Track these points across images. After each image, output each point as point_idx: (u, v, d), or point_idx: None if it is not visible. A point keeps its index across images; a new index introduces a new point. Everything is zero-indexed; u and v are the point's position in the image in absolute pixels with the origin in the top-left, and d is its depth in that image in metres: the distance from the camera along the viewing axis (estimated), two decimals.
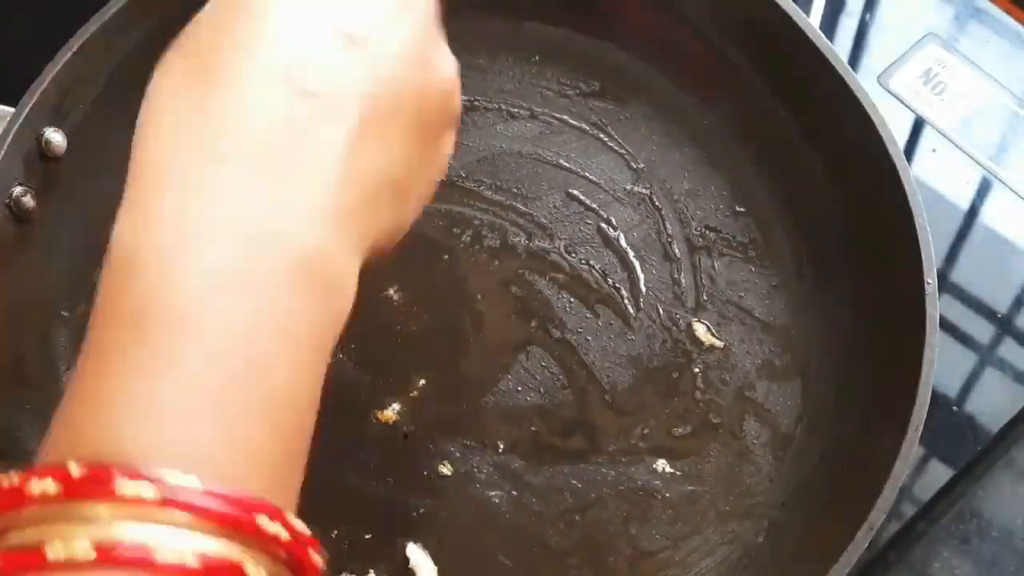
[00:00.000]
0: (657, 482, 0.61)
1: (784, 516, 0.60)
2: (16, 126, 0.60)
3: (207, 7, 0.46)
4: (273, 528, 0.35)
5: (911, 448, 0.54)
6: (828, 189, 0.66)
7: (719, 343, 0.64)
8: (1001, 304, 0.70)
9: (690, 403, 0.63)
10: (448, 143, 0.50)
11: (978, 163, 0.74)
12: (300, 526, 0.37)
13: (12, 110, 0.61)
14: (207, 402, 0.36)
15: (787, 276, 0.66)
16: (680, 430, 0.62)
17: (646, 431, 0.62)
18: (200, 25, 0.45)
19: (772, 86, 0.68)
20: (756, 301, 0.66)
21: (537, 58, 0.71)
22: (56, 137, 0.62)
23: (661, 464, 0.61)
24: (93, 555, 0.32)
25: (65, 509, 0.33)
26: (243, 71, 0.41)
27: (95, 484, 0.33)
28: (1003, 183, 0.73)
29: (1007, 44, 0.78)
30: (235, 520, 0.34)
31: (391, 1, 0.45)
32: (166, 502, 0.33)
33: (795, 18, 0.64)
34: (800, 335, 0.65)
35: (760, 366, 0.64)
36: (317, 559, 0.38)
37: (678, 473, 0.61)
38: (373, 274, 0.66)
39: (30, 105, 0.61)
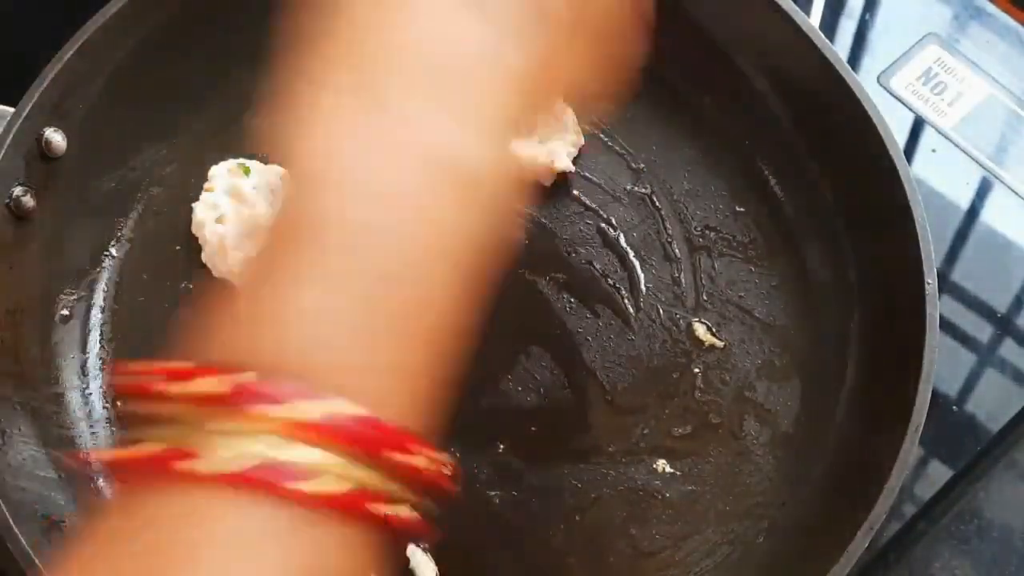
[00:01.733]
0: (657, 482, 0.61)
1: (784, 516, 0.60)
2: (16, 126, 0.60)
3: None
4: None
5: (911, 448, 0.54)
6: (828, 189, 0.66)
7: (719, 343, 0.64)
8: (1001, 304, 0.70)
9: (690, 403, 0.63)
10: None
11: (978, 163, 0.74)
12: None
13: (12, 110, 0.61)
14: (350, 317, 0.37)
15: (787, 276, 0.66)
16: (680, 430, 0.62)
17: (646, 431, 0.62)
18: None
19: (772, 86, 0.68)
20: (756, 301, 0.66)
21: None
22: (56, 137, 0.62)
23: (661, 464, 0.61)
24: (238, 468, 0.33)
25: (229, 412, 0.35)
26: None
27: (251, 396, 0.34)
28: (1003, 183, 0.73)
29: (1007, 44, 0.78)
30: (381, 444, 0.35)
31: None
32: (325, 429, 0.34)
33: (795, 18, 0.64)
34: (800, 335, 0.65)
35: (760, 366, 0.64)
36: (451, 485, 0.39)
37: (678, 473, 0.61)
38: None
39: (30, 105, 0.61)
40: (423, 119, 0.40)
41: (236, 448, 0.34)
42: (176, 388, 0.36)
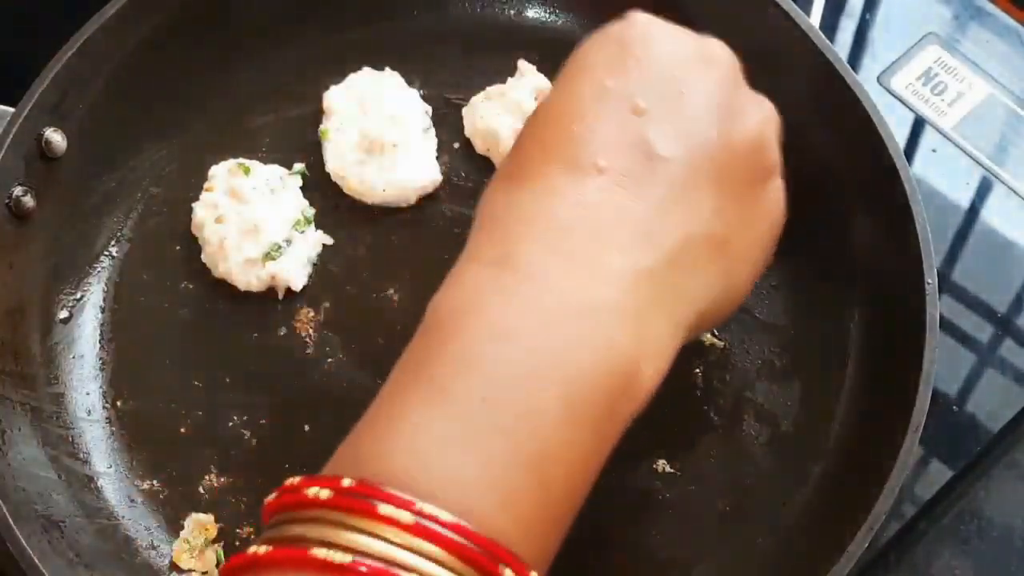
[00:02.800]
0: (657, 482, 0.61)
1: (784, 516, 0.60)
2: (16, 126, 0.60)
3: (527, 122, 0.49)
4: None
5: (911, 448, 0.54)
6: (828, 189, 0.66)
7: (719, 343, 0.64)
8: (1001, 304, 0.70)
9: (690, 403, 0.63)
10: (773, 195, 0.51)
11: (978, 163, 0.74)
12: None
13: (12, 110, 0.61)
14: (477, 443, 0.38)
15: (787, 276, 0.66)
16: (680, 430, 0.62)
17: (646, 431, 0.62)
18: (519, 137, 0.49)
19: (772, 86, 0.68)
20: (756, 301, 0.66)
21: (538, 58, 0.71)
22: (56, 137, 0.62)
23: (661, 464, 0.61)
24: (348, 560, 0.35)
25: (331, 516, 0.37)
26: (545, 166, 0.45)
27: (360, 499, 0.36)
28: (1003, 183, 0.73)
29: (1007, 44, 0.78)
30: (478, 561, 0.36)
31: (684, 62, 0.48)
32: (418, 529, 0.36)
33: (795, 18, 0.64)
34: (800, 335, 0.65)
35: (760, 366, 0.64)
36: None
37: (678, 473, 0.61)
38: (373, 274, 0.66)
39: (30, 105, 0.61)
40: (556, 277, 0.42)
41: (368, 544, 0.36)
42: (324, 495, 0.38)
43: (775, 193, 0.51)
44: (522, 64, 0.70)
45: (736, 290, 0.49)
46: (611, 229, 0.43)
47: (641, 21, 0.49)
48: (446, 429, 0.39)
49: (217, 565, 0.59)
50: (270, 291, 0.65)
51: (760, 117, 0.50)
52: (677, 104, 0.46)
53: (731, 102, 0.48)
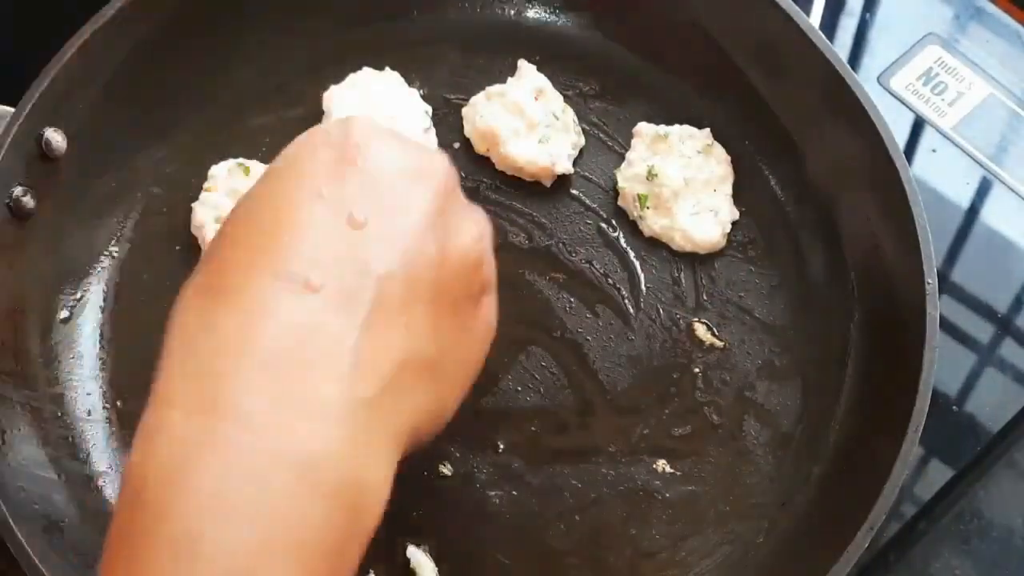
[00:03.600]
0: (657, 482, 0.61)
1: (784, 516, 0.60)
2: (16, 126, 0.60)
3: (226, 222, 0.45)
4: None
5: (911, 448, 0.54)
6: (828, 189, 0.66)
7: (719, 343, 0.64)
8: (1001, 304, 0.70)
9: (690, 403, 0.63)
10: (486, 311, 0.49)
11: (978, 163, 0.74)
12: None
13: (12, 110, 0.61)
14: None
15: (787, 276, 0.66)
16: (680, 430, 0.62)
17: (646, 431, 0.62)
18: (219, 239, 0.44)
19: (772, 86, 0.68)
20: (756, 301, 0.66)
21: (538, 58, 0.71)
22: (56, 137, 0.62)
23: (661, 464, 0.61)
24: None
25: None
26: (250, 280, 0.41)
27: None
28: (1003, 183, 0.73)
29: (1007, 44, 0.78)
30: None
31: (403, 175, 0.44)
32: None
33: (795, 18, 0.64)
34: (800, 335, 0.65)
35: (760, 366, 0.64)
36: None
37: (678, 473, 0.61)
38: None
39: (30, 105, 0.61)
40: (268, 418, 0.38)
41: None
42: None
43: (487, 310, 0.49)
44: (522, 64, 0.70)
45: (445, 409, 0.47)
46: (324, 358, 0.39)
47: (361, 126, 0.45)
48: None
49: None
50: None
51: (476, 232, 0.47)
52: (396, 219, 0.43)
53: (448, 217, 0.45)
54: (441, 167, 0.46)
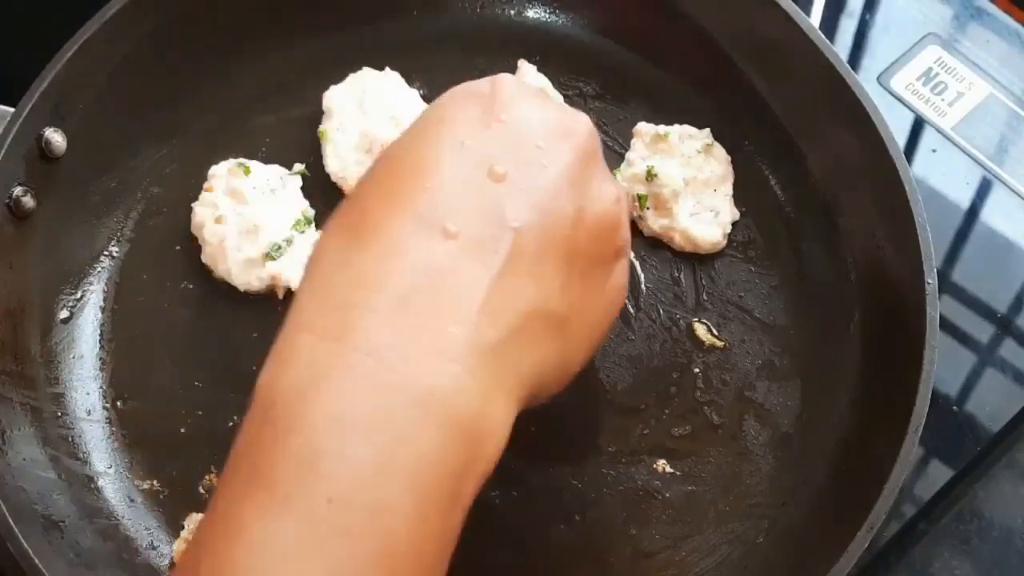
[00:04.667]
0: (657, 482, 0.61)
1: (784, 516, 0.60)
2: (16, 126, 0.60)
3: (371, 167, 0.46)
4: None
5: (911, 448, 0.54)
6: (828, 189, 0.66)
7: (719, 343, 0.64)
8: (1001, 304, 0.70)
9: (690, 403, 0.63)
10: (618, 275, 0.49)
11: (978, 163, 0.74)
12: None
13: (12, 110, 0.61)
14: (324, 550, 0.36)
15: (787, 276, 0.66)
16: (680, 430, 0.62)
17: (646, 431, 0.62)
18: (362, 183, 0.45)
19: (772, 86, 0.68)
20: (756, 301, 0.66)
21: (538, 58, 0.71)
22: (56, 137, 0.62)
23: (661, 464, 0.61)
24: None
25: None
26: (390, 221, 0.42)
27: None
28: (1003, 183, 0.73)
29: (1007, 44, 0.78)
30: None
31: (546, 132, 0.45)
32: None
33: (795, 18, 0.64)
34: (800, 335, 0.65)
35: (760, 366, 0.64)
36: None
37: (678, 473, 0.61)
38: None
39: (30, 105, 0.61)
40: (396, 351, 0.39)
41: None
42: None
43: (620, 276, 0.49)
44: (522, 64, 0.70)
45: (569, 368, 0.48)
46: (455, 301, 0.41)
47: (508, 83, 0.47)
48: (289, 540, 0.36)
49: None
50: (270, 291, 0.65)
51: (614, 196, 0.48)
52: (536, 175, 0.44)
53: (588, 179, 0.46)
54: (585, 129, 0.47)
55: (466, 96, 0.46)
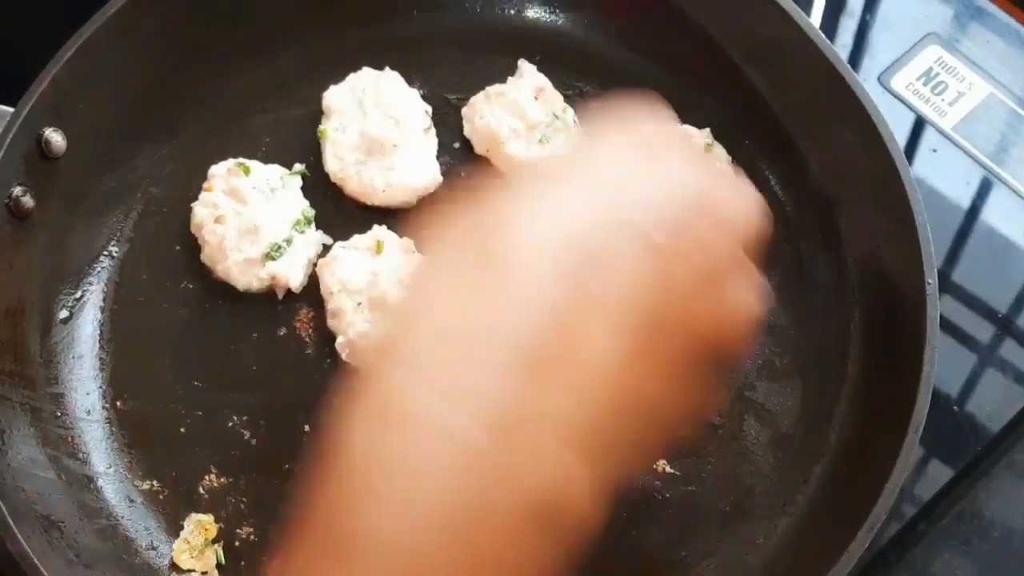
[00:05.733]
0: (657, 482, 0.61)
1: (784, 516, 0.60)
2: (16, 126, 0.60)
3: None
4: None
5: (911, 448, 0.54)
6: (828, 189, 0.66)
7: None
8: (1001, 304, 0.70)
9: None
10: (720, 382, 0.44)
11: (978, 163, 0.74)
12: None
13: (12, 110, 0.61)
14: None
15: (787, 276, 0.66)
16: (680, 430, 0.62)
17: None
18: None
19: (772, 86, 0.68)
20: None
21: (538, 58, 0.71)
22: (56, 137, 0.62)
23: (661, 464, 0.61)
24: None
25: None
26: (520, 262, 0.38)
27: None
28: (1003, 183, 0.73)
29: (1007, 44, 0.78)
30: None
31: (702, 205, 0.40)
32: None
33: (795, 18, 0.64)
34: (800, 335, 0.65)
35: (760, 366, 0.64)
36: None
37: (678, 473, 0.61)
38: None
39: (30, 105, 0.61)
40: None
41: None
42: None
43: (723, 379, 0.45)
44: (522, 64, 0.70)
45: (650, 454, 0.46)
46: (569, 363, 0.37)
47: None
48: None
49: (217, 565, 0.59)
50: (270, 291, 0.65)
51: (752, 300, 0.43)
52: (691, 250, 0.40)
53: (726, 271, 0.42)
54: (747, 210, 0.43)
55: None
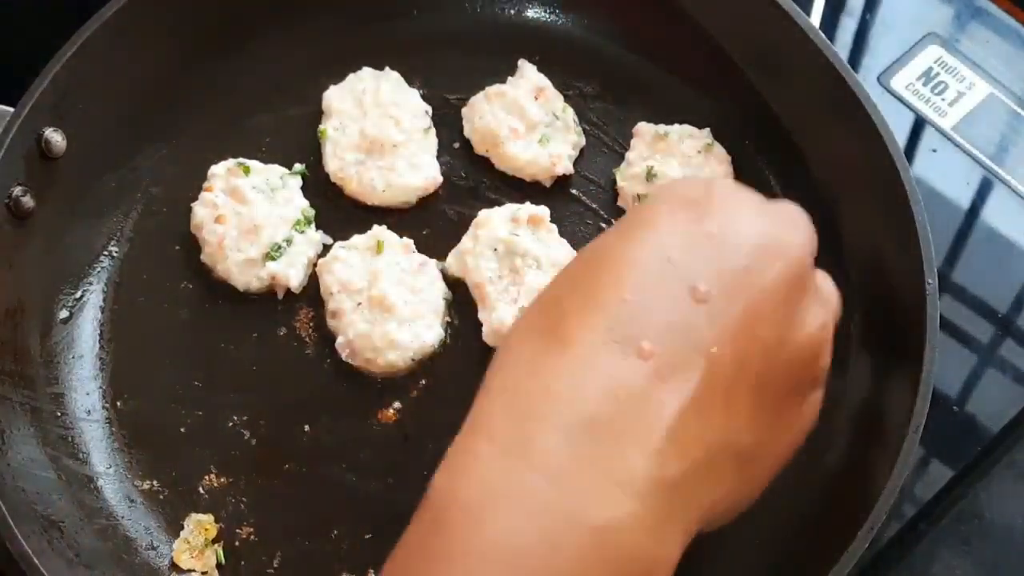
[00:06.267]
0: None
1: (784, 516, 0.60)
2: (16, 126, 0.60)
3: (571, 263, 0.44)
4: None
5: (911, 448, 0.54)
6: (828, 189, 0.66)
7: None
8: (1001, 304, 0.70)
9: None
10: (810, 408, 0.46)
11: (978, 163, 0.74)
12: None
13: (12, 110, 0.61)
14: None
15: None
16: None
17: None
18: (559, 281, 0.43)
19: (772, 86, 0.68)
20: None
21: (538, 58, 0.71)
22: (56, 137, 0.62)
23: None
24: None
25: None
26: (584, 332, 0.40)
27: None
28: (1003, 183, 0.73)
29: (1007, 44, 0.78)
30: None
31: (755, 249, 0.42)
32: None
33: (795, 18, 0.64)
34: None
35: None
36: None
37: None
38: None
39: (30, 105, 0.61)
40: (574, 478, 0.38)
41: None
42: None
43: (812, 406, 0.46)
44: (522, 64, 0.70)
45: (743, 503, 0.46)
46: (640, 428, 0.39)
47: (723, 189, 0.44)
48: None
49: (217, 565, 0.59)
50: (270, 291, 0.65)
51: (821, 321, 0.44)
52: (739, 297, 0.41)
53: (794, 303, 0.43)
54: (797, 243, 0.43)
55: (678, 202, 0.43)
